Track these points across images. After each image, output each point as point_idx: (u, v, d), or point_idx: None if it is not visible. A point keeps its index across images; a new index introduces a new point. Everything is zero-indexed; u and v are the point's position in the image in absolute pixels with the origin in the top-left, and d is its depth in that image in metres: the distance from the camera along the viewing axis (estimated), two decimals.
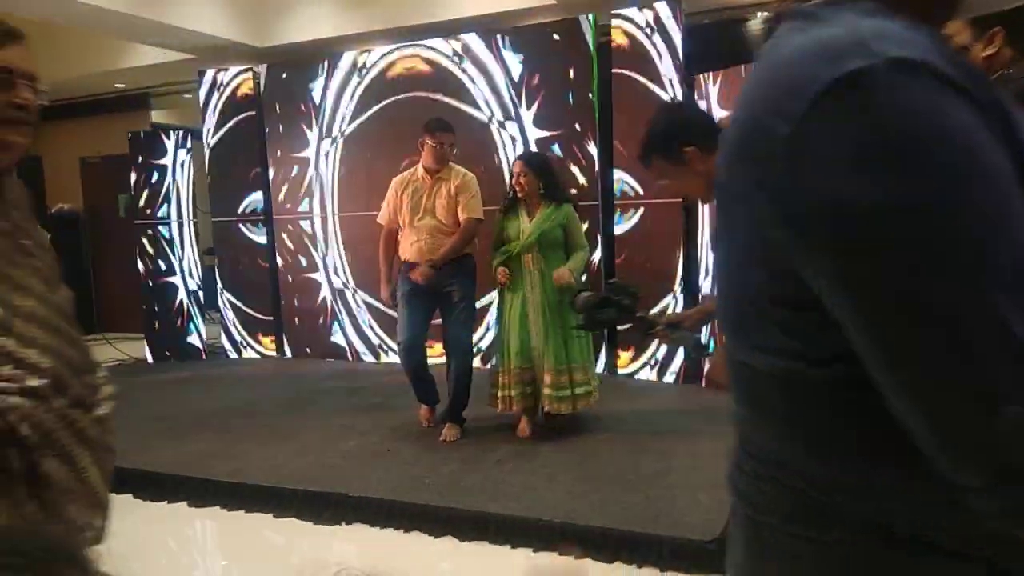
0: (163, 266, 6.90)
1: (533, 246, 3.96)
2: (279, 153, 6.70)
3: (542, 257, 3.97)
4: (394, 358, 5.26)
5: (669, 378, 5.22)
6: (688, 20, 5.21)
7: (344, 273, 6.54)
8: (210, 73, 6.86)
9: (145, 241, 6.86)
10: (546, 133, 5.62)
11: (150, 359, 6.90)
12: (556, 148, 5.54)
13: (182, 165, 6.94)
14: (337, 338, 6.61)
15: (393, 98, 6.15)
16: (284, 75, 6.63)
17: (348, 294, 6.53)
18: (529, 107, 5.68)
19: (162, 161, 6.86)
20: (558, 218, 3.97)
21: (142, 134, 7.07)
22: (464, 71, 5.89)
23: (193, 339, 7.00)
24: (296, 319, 6.80)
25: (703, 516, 2.93)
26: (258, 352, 6.92)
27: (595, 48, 5.43)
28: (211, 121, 6.87)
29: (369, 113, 6.28)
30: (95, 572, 0.55)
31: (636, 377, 5.36)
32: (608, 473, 3.51)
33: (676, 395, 4.95)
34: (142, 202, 6.87)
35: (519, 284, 4.02)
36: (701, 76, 5.03)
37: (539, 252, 3.96)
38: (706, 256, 4.96)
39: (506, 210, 4.09)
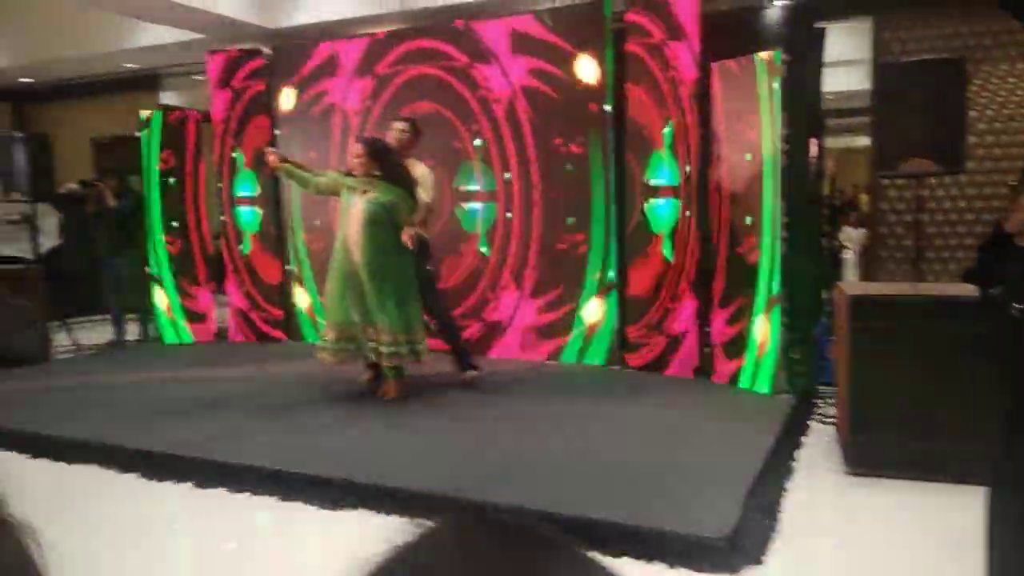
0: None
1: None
2: (285, 135, 6.64)
3: (366, 231, 4.34)
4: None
5: (680, 372, 5.14)
6: (705, 7, 5.09)
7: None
8: (219, 54, 6.80)
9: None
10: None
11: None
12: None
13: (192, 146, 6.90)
14: None
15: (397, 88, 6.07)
16: (294, 57, 6.56)
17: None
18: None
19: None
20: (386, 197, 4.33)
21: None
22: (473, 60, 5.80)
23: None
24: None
25: (711, 512, 2.89)
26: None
27: (610, 34, 5.34)
28: (219, 102, 6.81)
29: (375, 102, 6.19)
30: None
31: (644, 371, 5.29)
32: (614, 464, 3.49)
33: (683, 390, 4.87)
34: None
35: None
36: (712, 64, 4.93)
37: (364, 226, 4.34)
38: None
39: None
